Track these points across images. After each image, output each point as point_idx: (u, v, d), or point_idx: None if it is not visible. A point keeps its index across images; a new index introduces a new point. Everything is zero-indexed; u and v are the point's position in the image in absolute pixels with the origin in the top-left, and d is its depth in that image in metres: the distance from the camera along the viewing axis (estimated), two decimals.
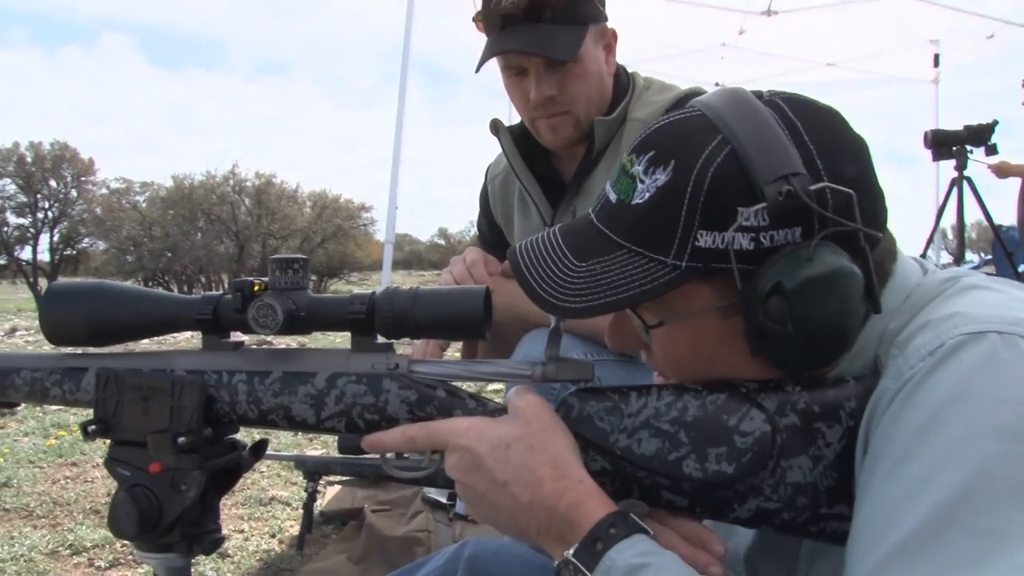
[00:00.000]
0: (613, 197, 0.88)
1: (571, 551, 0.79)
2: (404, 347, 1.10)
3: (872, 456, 0.77)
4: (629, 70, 1.88)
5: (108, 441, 0.97)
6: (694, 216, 0.80)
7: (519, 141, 1.87)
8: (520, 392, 0.90)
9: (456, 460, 0.87)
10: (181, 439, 0.92)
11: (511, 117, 1.97)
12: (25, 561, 2.71)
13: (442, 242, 64.93)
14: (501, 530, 0.88)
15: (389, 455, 0.96)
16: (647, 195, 0.83)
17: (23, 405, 5.11)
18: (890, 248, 0.89)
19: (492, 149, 1.96)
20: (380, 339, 0.96)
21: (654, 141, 0.86)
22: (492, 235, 2.06)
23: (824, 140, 0.82)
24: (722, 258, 0.80)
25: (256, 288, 0.95)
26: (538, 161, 1.87)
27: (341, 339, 6.42)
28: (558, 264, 0.89)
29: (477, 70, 1.77)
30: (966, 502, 0.68)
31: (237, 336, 1.01)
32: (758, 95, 0.86)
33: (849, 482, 0.82)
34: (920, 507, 0.70)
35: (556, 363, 0.92)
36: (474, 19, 1.75)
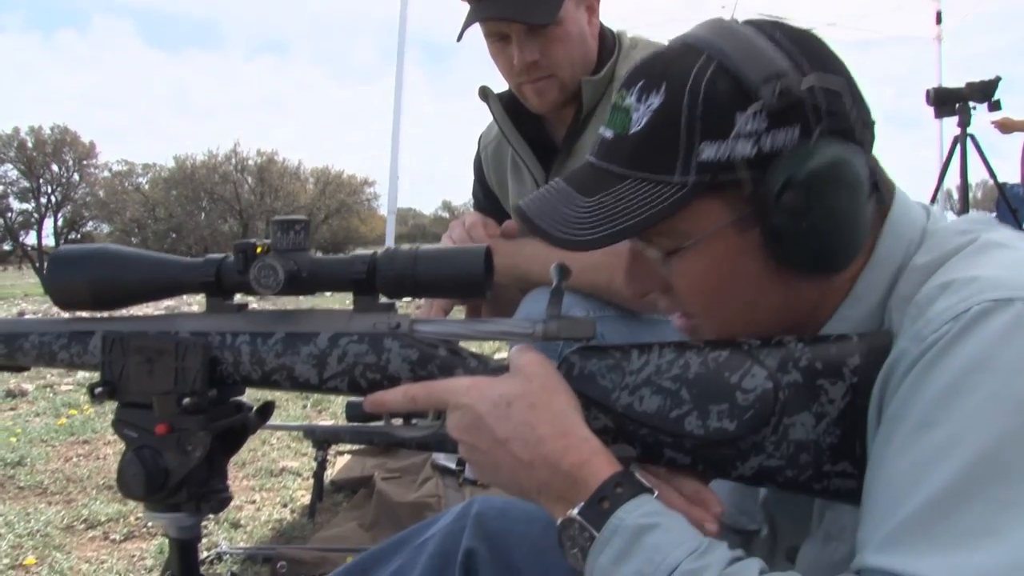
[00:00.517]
0: (609, 135, 0.88)
1: (576, 510, 0.79)
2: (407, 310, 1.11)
3: (889, 420, 0.77)
4: (615, 30, 1.87)
5: (115, 404, 0.98)
6: (693, 130, 0.81)
7: (508, 107, 1.87)
8: (522, 350, 0.90)
9: (457, 418, 0.87)
10: (186, 400, 0.93)
11: (503, 86, 1.96)
12: (42, 536, 2.75)
13: (446, 215, 64.78)
14: (503, 488, 0.88)
15: (395, 420, 0.96)
16: (644, 120, 0.84)
17: (32, 371, 5.15)
18: (886, 181, 0.89)
19: (488, 113, 1.96)
20: (382, 299, 0.97)
21: (642, 72, 0.87)
22: (488, 202, 2.06)
23: (805, 48, 0.84)
24: (728, 168, 0.81)
25: (258, 250, 0.95)
26: (528, 125, 1.87)
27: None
28: (566, 204, 0.88)
29: (459, 38, 1.77)
30: (986, 472, 0.68)
31: (242, 299, 1.02)
32: (734, 21, 0.88)
33: (852, 439, 0.82)
34: (939, 475, 0.69)
35: (558, 321, 0.91)
36: None
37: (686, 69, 0.83)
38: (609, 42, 1.82)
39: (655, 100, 0.83)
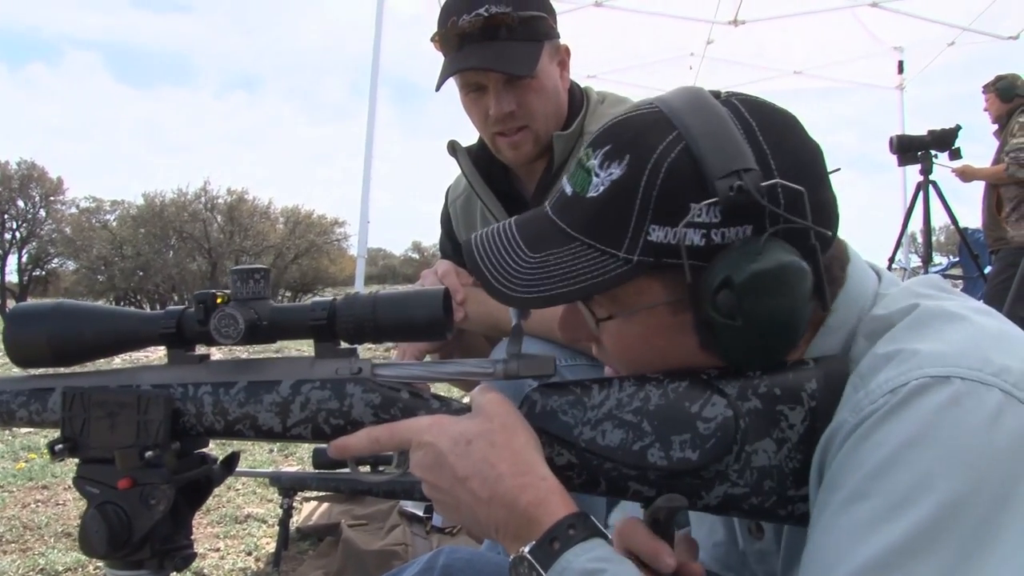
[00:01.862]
0: (569, 190, 0.89)
1: (527, 548, 0.79)
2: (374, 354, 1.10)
3: (826, 489, 0.78)
4: (582, 85, 1.91)
5: (77, 461, 0.97)
6: (647, 210, 0.81)
7: (478, 161, 1.89)
8: (483, 390, 0.90)
9: (420, 457, 0.87)
10: (148, 453, 0.92)
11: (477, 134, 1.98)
12: None
13: (416, 256, 64.83)
14: (463, 526, 0.89)
15: (363, 467, 0.96)
16: (601, 188, 0.84)
17: None
18: (839, 255, 0.90)
19: (458, 174, 1.97)
20: (344, 345, 0.97)
21: (610, 136, 0.87)
22: (456, 256, 2.06)
23: (778, 141, 0.83)
24: (673, 253, 0.81)
25: (218, 300, 0.96)
26: (498, 180, 1.90)
27: None
28: (511, 254, 0.89)
29: (437, 88, 1.80)
30: (913, 548, 0.69)
31: (204, 350, 1.01)
32: (715, 95, 0.87)
33: (810, 473, 0.82)
34: (868, 547, 0.70)
35: (518, 360, 0.93)
36: (432, 39, 1.78)
37: (651, 146, 0.83)
38: (577, 97, 1.85)
39: (616, 171, 0.84)
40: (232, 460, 1.05)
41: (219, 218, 33.65)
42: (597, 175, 0.85)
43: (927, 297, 0.86)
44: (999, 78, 5.73)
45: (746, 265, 0.78)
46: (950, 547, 0.68)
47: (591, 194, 0.85)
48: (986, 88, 5.82)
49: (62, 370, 1.02)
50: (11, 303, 31.87)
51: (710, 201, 0.79)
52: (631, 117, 0.87)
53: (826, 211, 0.85)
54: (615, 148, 0.85)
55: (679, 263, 0.80)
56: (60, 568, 2.81)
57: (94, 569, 2.79)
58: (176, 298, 31.49)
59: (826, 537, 0.74)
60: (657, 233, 0.81)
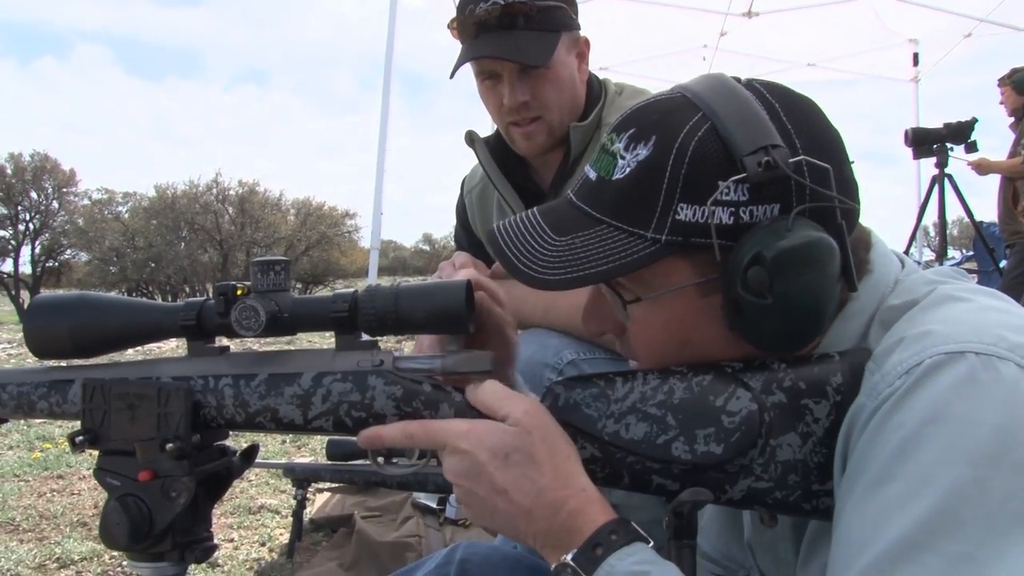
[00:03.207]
0: (593, 175, 0.89)
1: (570, 555, 0.79)
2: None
3: (850, 475, 0.78)
4: (600, 77, 1.90)
5: (96, 452, 0.97)
6: (675, 189, 0.81)
7: (495, 152, 1.88)
8: (516, 400, 0.88)
9: (455, 464, 0.86)
10: (169, 445, 0.92)
11: (491, 126, 1.98)
12: None
13: (427, 247, 64.84)
14: (498, 532, 0.88)
15: (380, 458, 0.96)
16: (628, 170, 0.84)
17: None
18: (863, 238, 0.90)
19: (472, 154, 1.97)
20: (365, 337, 0.96)
21: (635, 119, 0.87)
22: (471, 247, 2.06)
23: (801, 121, 0.83)
24: (702, 232, 0.81)
25: (239, 292, 0.95)
26: (514, 171, 1.89)
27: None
28: (537, 239, 0.89)
29: (452, 75, 1.79)
30: (940, 525, 0.69)
31: (223, 341, 1.01)
32: (737, 80, 0.87)
33: (834, 462, 0.82)
34: (895, 528, 0.70)
35: (456, 355, 0.93)
36: (449, 26, 1.77)
37: (678, 126, 0.83)
38: (596, 89, 1.84)
39: (642, 152, 0.83)
40: (251, 452, 1.05)
41: (230, 210, 33.70)
42: (623, 157, 0.85)
43: (941, 284, 0.86)
44: (1015, 71, 5.70)
45: (776, 242, 0.78)
46: (978, 520, 0.68)
47: (616, 176, 0.85)
48: (1001, 81, 5.79)
49: (79, 362, 1.01)
50: (24, 294, 32.08)
51: (738, 177, 0.79)
52: (655, 102, 0.87)
53: (851, 191, 0.85)
54: (640, 130, 0.85)
55: (708, 243, 0.80)
56: (76, 557, 2.83)
57: (109, 559, 2.80)
58: (187, 289, 31.59)
59: (854, 520, 0.74)
60: (685, 212, 0.81)
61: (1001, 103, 5.81)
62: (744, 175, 0.79)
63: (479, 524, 0.89)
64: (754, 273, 0.79)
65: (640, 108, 0.88)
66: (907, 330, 0.80)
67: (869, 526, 0.72)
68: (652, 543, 0.80)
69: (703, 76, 0.89)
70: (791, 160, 0.79)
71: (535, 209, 0.94)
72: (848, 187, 0.85)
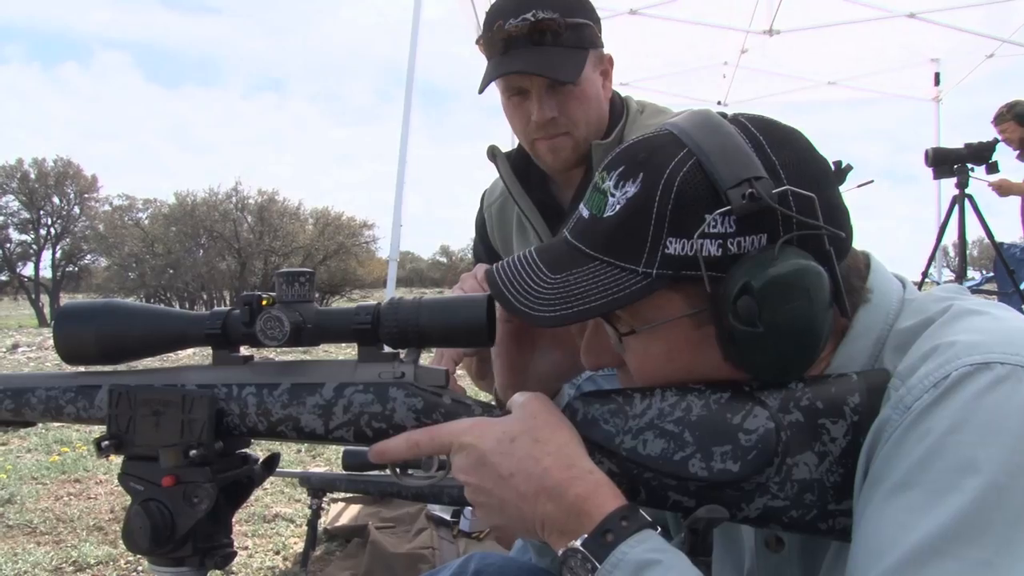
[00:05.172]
0: (586, 213, 0.91)
1: (579, 541, 0.79)
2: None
3: (871, 482, 0.78)
4: (622, 94, 1.91)
5: (117, 457, 0.98)
6: (663, 224, 0.83)
7: (516, 167, 1.90)
8: (522, 392, 0.91)
9: (461, 459, 0.87)
10: (193, 452, 0.93)
11: (511, 139, 1.99)
12: None
13: (444, 260, 64.97)
14: (508, 527, 0.88)
15: (397, 469, 0.97)
16: (618, 207, 0.86)
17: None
18: (857, 266, 0.91)
19: (490, 167, 1.98)
20: (386, 349, 0.98)
21: (624, 157, 0.89)
22: (490, 260, 2.08)
23: (786, 152, 0.85)
24: (691, 265, 0.82)
25: (264, 302, 0.97)
26: (535, 187, 1.90)
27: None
28: (533, 277, 0.91)
29: (481, 91, 1.80)
30: (960, 532, 0.69)
31: (246, 351, 1.02)
32: (723, 116, 0.89)
33: (855, 478, 0.82)
34: (915, 533, 0.70)
35: (415, 369, 0.95)
36: (477, 42, 1.78)
37: (664, 163, 0.85)
38: (618, 107, 1.86)
39: (631, 189, 0.85)
40: (272, 461, 1.06)
41: (249, 218, 33.90)
42: (612, 195, 0.87)
43: (955, 299, 0.87)
44: (1012, 105, 5.67)
45: (764, 271, 0.80)
46: (998, 527, 0.69)
47: (607, 214, 0.87)
48: (998, 119, 5.77)
49: (105, 368, 1.03)
50: (44, 298, 32.33)
51: (723, 210, 0.81)
52: (643, 140, 0.89)
53: (840, 218, 0.87)
54: (629, 168, 0.87)
55: (698, 275, 0.82)
56: (92, 561, 2.85)
57: (125, 563, 2.82)
58: (205, 296, 31.78)
59: (874, 526, 0.75)
60: (674, 246, 0.83)
61: (1005, 140, 5.77)
62: (729, 207, 0.81)
63: (491, 524, 0.90)
64: (743, 303, 0.80)
65: (629, 146, 0.90)
66: (929, 345, 0.81)
67: (890, 530, 0.73)
68: (659, 529, 0.80)
69: (690, 112, 0.91)
70: (775, 191, 0.81)
71: (532, 249, 0.96)
72: (837, 214, 0.86)
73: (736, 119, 0.88)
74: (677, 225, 0.83)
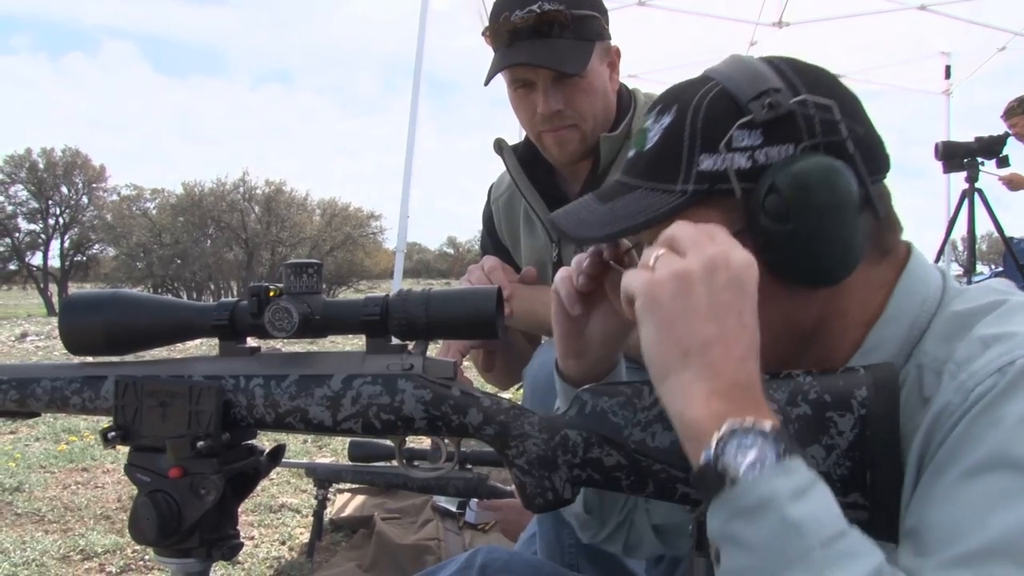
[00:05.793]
0: (632, 153, 0.96)
1: (766, 423, 0.73)
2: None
3: (938, 466, 0.78)
4: (629, 86, 1.90)
5: (124, 448, 0.98)
6: (694, 143, 0.88)
7: (523, 160, 1.89)
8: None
9: (666, 261, 0.79)
10: (200, 443, 0.93)
11: (518, 131, 1.98)
12: (37, 566, 2.73)
13: (451, 251, 65.05)
14: (652, 361, 0.80)
15: (394, 462, 0.96)
16: (656, 138, 0.92)
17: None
18: (894, 224, 0.93)
19: (497, 160, 1.97)
20: (395, 341, 0.97)
21: (662, 98, 0.95)
22: (497, 253, 2.06)
23: (806, 75, 0.90)
24: (724, 179, 0.86)
25: (271, 293, 0.96)
26: (542, 180, 1.89)
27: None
28: (585, 209, 0.96)
29: (487, 83, 1.79)
30: None
31: (253, 342, 1.02)
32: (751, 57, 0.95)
33: (862, 471, 0.82)
34: (1003, 518, 0.70)
35: (423, 360, 0.95)
36: (483, 33, 1.78)
37: (694, 92, 0.91)
38: (625, 99, 1.85)
39: (666, 119, 0.91)
40: (278, 452, 1.06)
41: (256, 208, 33.96)
42: (652, 129, 0.93)
43: (1010, 294, 0.89)
44: (1022, 99, 5.64)
45: (787, 168, 0.83)
46: None
47: (648, 146, 0.93)
48: (1008, 113, 5.72)
49: (111, 359, 1.03)
50: (52, 287, 32.43)
51: (745, 120, 0.85)
52: (679, 82, 0.96)
53: (870, 143, 0.90)
54: (665, 103, 0.93)
55: (731, 188, 0.85)
56: (99, 550, 2.86)
57: (131, 552, 2.83)
58: (212, 286, 31.87)
59: (948, 508, 0.74)
60: (706, 162, 0.87)
61: (1014, 135, 5.73)
62: (751, 117, 0.85)
63: (646, 345, 0.80)
64: (771, 200, 0.83)
65: (667, 89, 0.97)
66: (989, 332, 0.82)
67: (965, 514, 0.72)
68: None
69: (726, 57, 0.96)
70: (794, 99, 0.85)
71: (589, 193, 1.00)
72: (857, 120, 0.89)
73: (764, 57, 0.93)
74: (707, 141, 0.87)
